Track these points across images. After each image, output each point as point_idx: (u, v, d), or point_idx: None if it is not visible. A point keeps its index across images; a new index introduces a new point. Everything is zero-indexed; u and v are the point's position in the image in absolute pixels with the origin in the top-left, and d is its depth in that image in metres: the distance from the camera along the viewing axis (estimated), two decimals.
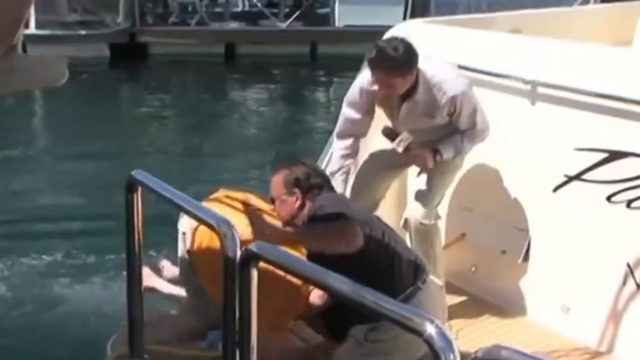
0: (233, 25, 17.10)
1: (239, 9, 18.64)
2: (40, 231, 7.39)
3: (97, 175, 8.99)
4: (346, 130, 4.43)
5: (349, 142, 4.40)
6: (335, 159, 4.44)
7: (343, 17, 16.73)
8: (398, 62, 3.99)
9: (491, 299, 4.72)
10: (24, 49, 14.08)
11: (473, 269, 4.86)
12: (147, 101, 14.14)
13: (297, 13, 17.32)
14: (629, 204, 4.11)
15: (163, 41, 16.00)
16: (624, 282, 4.15)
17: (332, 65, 15.32)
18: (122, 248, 3.37)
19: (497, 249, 4.72)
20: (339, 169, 4.38)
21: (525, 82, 4.47)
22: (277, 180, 3.73)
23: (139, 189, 3.50)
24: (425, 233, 4.37)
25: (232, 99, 14.73)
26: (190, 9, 16.91)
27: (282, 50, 16.30)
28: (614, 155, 4.16)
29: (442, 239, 4.57)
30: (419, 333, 2.09)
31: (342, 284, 2.51)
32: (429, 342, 2.03)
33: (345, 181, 4.38)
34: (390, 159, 4.46)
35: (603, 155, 4.20)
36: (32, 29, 14.89)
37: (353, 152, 4.42)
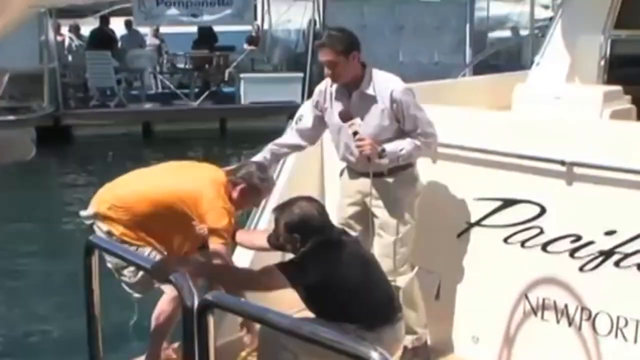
0: (149, 105, 17.06)
1: (153, 91, 18.61)
2: None
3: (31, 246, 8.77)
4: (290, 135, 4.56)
5: (287, 141, 4.55)
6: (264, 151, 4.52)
7: (248, 95, 16.89)
8: (341, 39, 4.14)
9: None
10: None
11: None
12: (72, 177, 13.91)
13: (206, 93, 17.41)
14: (522, 244, 4.30)
15: (85, 123, 15.82)
16: (523, 311, 4.32)
17: (240, 138, 15.44)
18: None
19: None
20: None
21: None
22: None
23: (96, 252, 3.51)
24: (409, 292, 4.35)
25: None
26: (109, 92, 16.79)
27: (194, 127, 16.31)
28: (507, 203, 4.34)
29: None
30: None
31: (298, 325, 2.59)
32: None
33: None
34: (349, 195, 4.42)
35: (498, 204, 4.38)
36: None
37: (283, 152, 4.57)
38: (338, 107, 4.29)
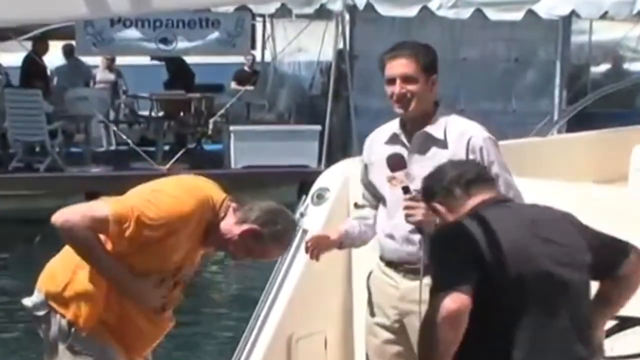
0: (96, 169, 17.11)
1: (104, 148, 18.71)
2: None
3: None
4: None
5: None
6: None
7: (241, 156, 16.86)
8: (426, 51, 4.45)
9: None
10: None
11: None
12: None
13: (180, 152, 17.38)
14: None
15: (1, 193, 15.85)
16: None
17: None
18: None
19: None
20: None
21: None
22: None
23: None
24: None
25: None
26: (38, 149, 16.82)
27: None
28: (624, 323, 4.38)
29: None
30: None
31: None
32: None
33: None
34: None
35: (609, 325, 4.12)
36: None
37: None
38: (388, 153, 4.43)
